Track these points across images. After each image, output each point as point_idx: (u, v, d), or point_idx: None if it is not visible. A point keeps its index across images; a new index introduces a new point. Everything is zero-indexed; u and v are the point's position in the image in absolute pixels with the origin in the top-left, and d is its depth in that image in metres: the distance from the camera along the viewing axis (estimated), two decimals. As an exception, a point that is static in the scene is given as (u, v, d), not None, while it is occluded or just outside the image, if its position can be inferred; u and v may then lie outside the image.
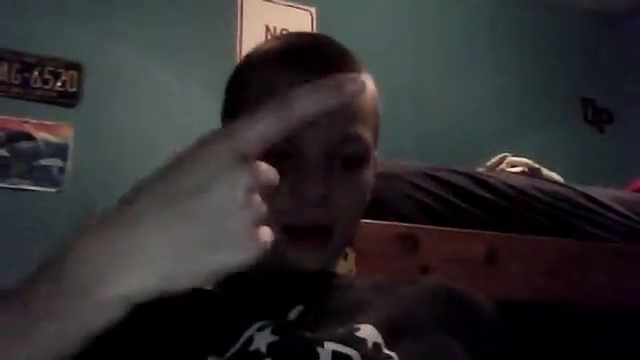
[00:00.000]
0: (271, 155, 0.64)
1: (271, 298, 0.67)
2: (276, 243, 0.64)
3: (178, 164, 0.40)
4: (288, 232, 0.65)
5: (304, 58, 0.67)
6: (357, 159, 0.68)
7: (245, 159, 0.39)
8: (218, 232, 0.39)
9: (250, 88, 0.70)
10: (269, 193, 0.63)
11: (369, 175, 0.70)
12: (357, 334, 0.62)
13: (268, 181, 0.41)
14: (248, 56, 0.74)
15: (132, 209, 0.39)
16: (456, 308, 0.71)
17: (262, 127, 0.40)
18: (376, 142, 0.73)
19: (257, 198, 0.40)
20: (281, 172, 0.63)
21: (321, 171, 0.64)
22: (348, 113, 0.66)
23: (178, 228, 0.38)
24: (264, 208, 0.41)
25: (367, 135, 0.68)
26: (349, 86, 0.41)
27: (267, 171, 0.41)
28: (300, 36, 0.76)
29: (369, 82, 0.71)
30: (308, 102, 0.40)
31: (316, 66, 0.65)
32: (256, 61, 0.71)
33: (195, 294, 0.68)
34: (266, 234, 0.41)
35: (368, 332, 0.63)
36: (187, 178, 0.39)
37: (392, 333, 0.64)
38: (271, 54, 0.70)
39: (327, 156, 0.65)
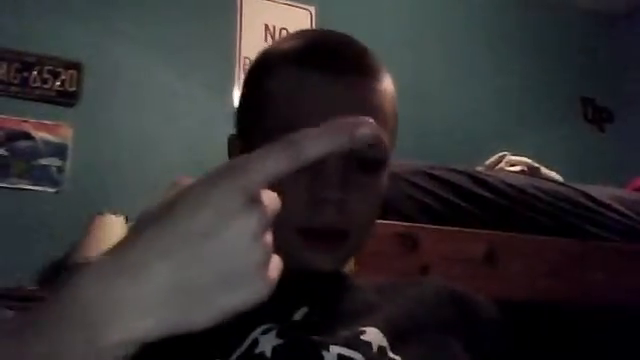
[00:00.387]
0: None
1: (276, 300, 0.66)
2: (290, 244, 0.63)
3: (185, 204, 0.38)
4: (303, 234, 0.64)
5: (327, 59, 0.66)
6: (375, 163, 0.67)
7: (254, 199, 0.39)
8: (228, 273, 0.38)
9: (270, 90, 0.68)
10: (284, 196, 0.63)
11: (385, 178, 0.69)
12: (362, 337, 0.62)
13: (274, 213, 0.40)
14: (266, 56, 0.71)
15: (137, 250, 0.38)
16: (458, 310, 0.71)
17: (272, 168, 0.39)
18: (394, 145, 0.72)
19: (267, 237, 0.40)
20: (298, 175, 0.63)
21: (338, 175, 0.63)
22: (366, 114, 0.65)
23: (187, 271, 0.37)
24: (272, 244, 0.40)
25: (386, 138, 0.67)
26: (362, 129, 0.40)
27: (273, 204, 0.41)
28: (318, 35, 0.73)
29: (390, 85, 0.70)
30: (320, 144, 0.40)
31: (340, 67, 0.65)
32: (276, 63, 0.69)
33: None
34: (275, 269, 0.40)
35: (373, 335, 0.62)
36: (196, 220, 0.38)
37: (396, 336, 0.64)
38: (292, 56, 0.68)
39: (345, 159, 0.64)
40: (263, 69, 0.70)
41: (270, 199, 0.40)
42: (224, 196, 0.38)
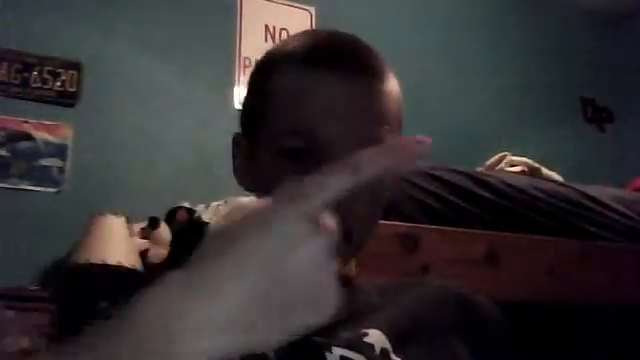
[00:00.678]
0: (296, 157, 0.63)
1: None
2: None
3: (253, 229, 0.40)
4: None
5: (333, 58, 0.66)
6: None
7: (317, 221, 0.40)
8: (299, 293, 0.40)
9: (275, 89, 0.68)
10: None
11: (391, 181, 0.69)
12: (365, 339, 0.62)
13: (335, 234, 0.42)
14: (271, 55, 0.71)
15: (209, 272, 0.39)
16: (461, 311, 0.71)
17: (331, 191, 0.41)
18: None
19: (333, 259, 0.41)
20: (304, 174, 0.63)
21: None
22: (372, 117, 0.65)
23: (259, 292, 0.39)
24: (335, 263, 0.42)
25: (391, 139, 0.66)
26: (416, 148, 0.42)
27: (334, 225, 0.42)
28: (324, 34, 0.73)
29: (396, 86, 0.70)
30: (377, 163, 0.41)
31: (346, 66, 0.65)
32: (281, 62, 0.69)
33: None
34: (338, 290, 0.42)
35: (375, 337, 0.62)
36: (265, 244, 0.39)
37: (399, 338, 0.63)
38: (297, 55, 0.67)
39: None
40: (268, 68, 0.70)
41: (330, 220, 0.42)
42: (290, 221, 0.39)
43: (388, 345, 0.62)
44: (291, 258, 0.39)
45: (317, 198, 0.40)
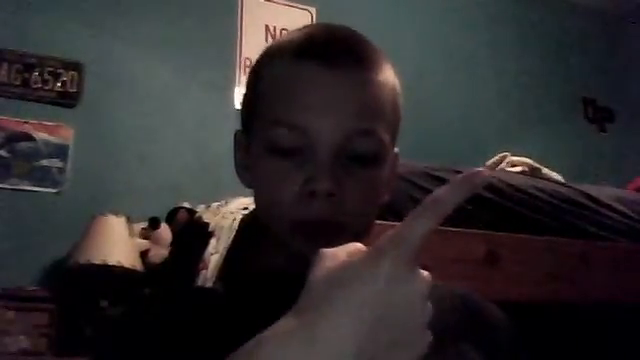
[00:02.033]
0: (284, 150, 0.63)
1: (280, 304, 0.65)
2: (288, 241, 0.63)
3: (360, 275, 0.43)
4: (297, 228, 0.63)
5: (324, 50, 0.65)
6: (371, 156, 0.65)
7: (415, 263, 0.44)
8: (402, 333, 0.43)
9: (265, 82, 0.68)
10: (281, 187, 0.63)
11: (385, 173, 0.68)
12: None
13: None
14: (268, 50, 0.72)
15: (324, 318, 0.42)
16: (472, 318, 0.70)
17: (424, 231, 0.44)
18: (395, 139, 0.70)
19: (428, 301, 0.45)
20: (292, 168, 0.63)
21: (331, 167, 0.62)
22: (361, 108, 0.64)
23: (368, 334, 0.42)
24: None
25: (382, 131, 0.65)
26: (478, 179, 0.46)
27: (428, 274, 0.45)
28: (318, 28, 0.72)
29: (390, 77, 0.69)
30: (456, 196, 0.45)
31: (337, 57, 0.64)
32: (274, 55, 0.69)
33: (204, 304, 0.68)
34: (429, 332, 0.45)
35: None
36: (372, 289, 0.42)
37: None
38: (289, 48, 0.67)
39: (338, 152, 0.63)
40: (262, 62, 0.70)
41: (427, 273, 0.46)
42: (393, 265, 0.43)
43: None
44: (396, 299, 0.42)
45: (414, 239, 0.44)
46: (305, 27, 0.72)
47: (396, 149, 0.72)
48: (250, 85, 0.72)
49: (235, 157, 0.74)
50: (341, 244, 0.63)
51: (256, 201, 0.70)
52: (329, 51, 0.65)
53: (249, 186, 0.71)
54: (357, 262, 0.44)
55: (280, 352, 0.42)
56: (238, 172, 0.73)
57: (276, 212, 0.64)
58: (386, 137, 0.66)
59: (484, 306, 0.74)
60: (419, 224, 0.44)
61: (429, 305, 0.44)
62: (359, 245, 0.48)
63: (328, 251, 0.47)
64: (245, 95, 0.73)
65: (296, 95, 0.64)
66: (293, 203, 0.63)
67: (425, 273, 0.45)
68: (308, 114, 0.63)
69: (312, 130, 0.63)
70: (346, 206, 0.63)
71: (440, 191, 0.45)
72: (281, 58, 0.67)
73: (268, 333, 0.44)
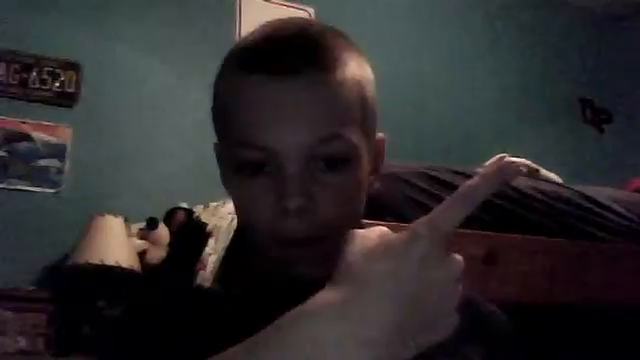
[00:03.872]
0: (251, 170, 0.61)
1: (278, 304, 0.65)
2: (272, 253, 0.62)
3: (395, 257, 0.44)
4: (277, 245, 0.62)
5: (269, 60, 0.62)
6: (341, 159, 0.62)
7: (446, 247, 0.45)
8: (434, 314, 0.44)
9: (221, 100, 0.67)
10: (255, 205, 0.62)
11: (360, 174, 0.65)
12: None
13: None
14: (224, 60, 0.69)
15: (363, 295, 0.43)
16: (475, 319, 0.69)
17: (455, 219, 0.45)
18: (369, 137, 0.66)
19: (460, 283, 0.46)
20: (262, 186, 0.61)
21: (300, 182, 0.60)
22: (322, 114, 0.61)
23: (405, 314, 0.43)
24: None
25: (350, 132, 0.62)
26: (510, 170, 0.46)
27: (460, 257, 0.47)
28: (267, 32, 0.68)
29: (351, 70, 0.64)
30: (487, 188, 0.46)
31: (284, 65, 0.61)
32: (225, 69, 0.67)
33: (202, 305, 0.68)
34: (458, 312, 0.46)
35: None
36: (407, 271, 0.43)
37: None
38: (236, 59, 0.66)
39: (306, 164, 0.61)
40: (218, 77, 0.69)
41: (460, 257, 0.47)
42: (426, 247, 0.44)
43: None
44: (426, 279, 0.43)
45: (445, 226, 0.45)
46: (256, 30, 0.69)
47: (380, 134, 0.69)
48: (213, 100, 0.70)
49: (220, 168, 0.71)
50: (325, 252, 0.60)
51: (237, 214, 0.68)
52: (278, 59, 0.61)
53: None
54: (393, 242, 0.45)
55: (322, 326, 0.43)
56: (223, 183, 0.70)
57: (255, 228, 0.63)
58: (355, 137, 0.62)
59: (487, 309, 0.73)
60: (452, 211, 0.45)
61: (459, 288, 0.45)
62: (386, 229, 0.48)
63: (360, 231, 0.47)
64: (212, 109, 0.71)
65: (250, 113, 0.61)
66: (268, 221, 0.61)
67: (458, 257, 0.46)
68: (266, 132, 0.60)
69: (275, 147, 0.60)
70: (321, 217, 0.61)
71: (473, 181, 0.46)
72: (229, 73, 0.65)
73: (307, 307, 0.44)
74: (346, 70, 0.63)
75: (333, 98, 0.62)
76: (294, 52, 0.62)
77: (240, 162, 0.62)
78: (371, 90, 0.67)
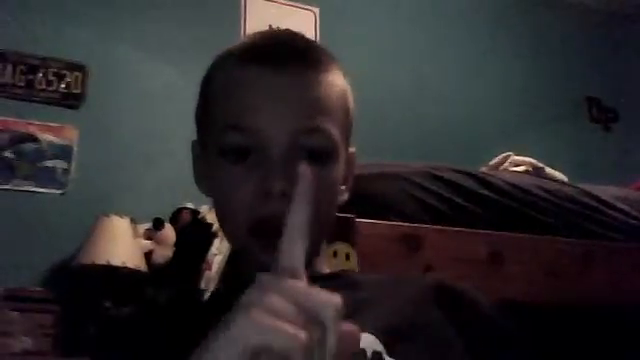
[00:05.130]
0: (237, 153, 0.64)
1: None
2: (247, 250, 0.64)
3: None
4: (254, 233, 0.64)
5: (267, 53, 0.67)
6: (322, 152, 0.66)
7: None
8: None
9: (214, 90, 0.70)
10: (237, 190, 0.64)
11: (338, 171, 0.69)
12: None
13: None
14: (216, 58, 0.74)
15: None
16: (457, 307, 0.70)
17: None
18: (347, 140, 0.71)
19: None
20: (247, 170, 0.64)
21: (283, 167, 0.63)
22: (308, 106, 0.66)
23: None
24: None
25: (333, 129, 0.67)
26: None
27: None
28: (265, 33, 0.75)
29: (338, 79, 0.70)
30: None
31: (280, 59, 0.66)
32: (220, 62, 0.72)
33: (206, 307, 0.68)
34: None
35: (368, 341, 0.61)
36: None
37: (392, 338, 0.62)
38: (233, 53, 0.70)
39: (290, 151, 0.64)
40: (210, 71, 0.73)
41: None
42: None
43: (381, 347, 0.61)
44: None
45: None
46: (254, 33, 0.75)
47: (352, 149, 0.74)
48: (201, 93, 0.74)
49: (194, 167, 0.75)
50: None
51: (215, 208, 0.71)
52: (272, 53, 0.67)
53: (208, 194, 0.72)
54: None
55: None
56: (196, 181, 0.75)
57: (234, 215, 0.66)
58: (336, 133, 0.67)
59: (472, 297, 0.72)
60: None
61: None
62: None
63: (265, 278, 0.48)
64: (198, 104, 0.74)
65: (243, 98, 0.66)
66: (249, 204, 0.64)
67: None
68: (256, 116, 0.65)
69: (262, 131, 0.64)
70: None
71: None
72: (227, 65, 0.70)
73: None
74: (334, 76, 0.69)
75: (320, 95, 0.67)
76: (289, 50, 0.67)
77: (226, 147, 0.65)
78: (352, 104, 0.72)
